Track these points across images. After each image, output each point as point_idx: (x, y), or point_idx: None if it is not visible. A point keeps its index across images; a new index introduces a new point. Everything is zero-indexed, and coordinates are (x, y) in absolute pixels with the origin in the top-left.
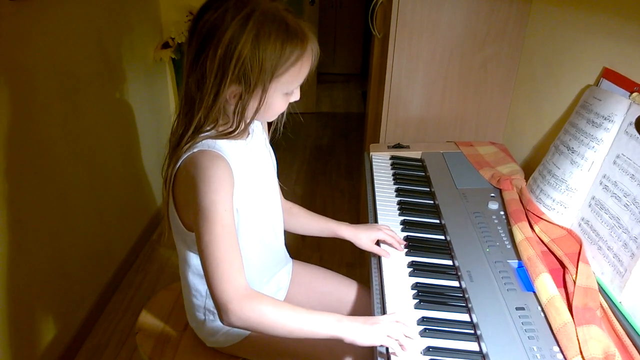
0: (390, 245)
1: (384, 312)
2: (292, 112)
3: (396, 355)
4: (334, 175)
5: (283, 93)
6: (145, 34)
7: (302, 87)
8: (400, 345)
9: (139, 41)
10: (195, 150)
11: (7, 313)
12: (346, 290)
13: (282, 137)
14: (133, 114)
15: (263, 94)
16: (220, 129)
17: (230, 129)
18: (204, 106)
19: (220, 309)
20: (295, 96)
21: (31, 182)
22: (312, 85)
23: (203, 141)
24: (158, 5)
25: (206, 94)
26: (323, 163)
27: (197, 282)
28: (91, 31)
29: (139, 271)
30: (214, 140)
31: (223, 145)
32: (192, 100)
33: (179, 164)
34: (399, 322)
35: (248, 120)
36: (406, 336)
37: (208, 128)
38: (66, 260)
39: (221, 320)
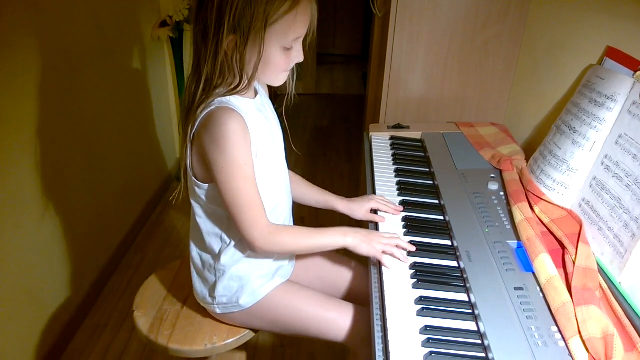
0: (385, 212)
1: (382, 290)
2: (291, 92)
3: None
4: (334, 157)
5: (281, 46)
6: (143, 12)
7: (305, 56)
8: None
9: (136, 20)
10: (212, 107)
11: (7, 294)
12: (344, 268)
13: (280, 119)
14: (130, 92)
15: (260, 43)
16: (228, 86)
17: (236, 83)
18: (209, 58)
19: (250, 245)
20: (298, 55)
21: (27, 161)
22: (312, 67)
23: (217, 98)
24: None
25: (209, 45)
26: (323, 145)
27: (212, 242)
28: (88, 10)
29: (138, 251)
30: (227, 97)
31: (236, 102)
32: (199, 54)
33: (198, 121)
34: (395, 239)
35: (250, 73)
36: (402, 248)
37: (217, 84)
38: (64, 240)
39: (251, 250)
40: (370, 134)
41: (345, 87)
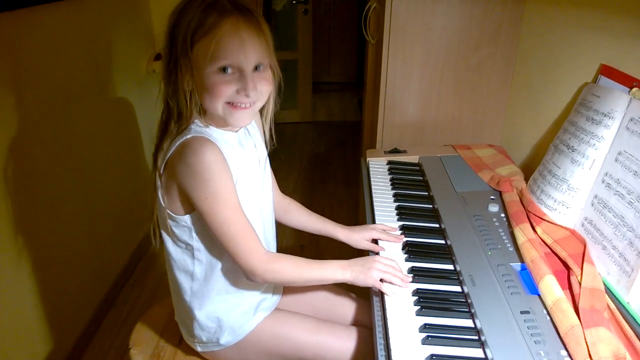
0: (387, 240)
1: (384, 318)
2: (289, 122)
3: (388, 295)
4: (332, 185)
5: (211, 70)
6: (137, 45)
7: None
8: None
9: (131, 53)
10: (187, 136)
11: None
12: (343, 298)
13: (278, 147)
14: (125, 126)
15: (189, 67)
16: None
17: (184, 116)
18: (170, 92)
19: (248, 276)
20: (243, 85)
21: (20, 197)
22: (308, 95)
23: (193, 127)
24: (150, 17)
25: (167, 77)
26: (320, 172)
27: (182, 279)
28: (82, 44)
29: (135, 286)
30: (203, 127)
31: (213, 133)
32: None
33: (171, 151)
34: (392, 266)
35: (188, 100)
36: (399, 278)
37: (174, 120)
38: (59, 277)
39: (250, 279)
40: (367, 159)
41: (341, 114)
